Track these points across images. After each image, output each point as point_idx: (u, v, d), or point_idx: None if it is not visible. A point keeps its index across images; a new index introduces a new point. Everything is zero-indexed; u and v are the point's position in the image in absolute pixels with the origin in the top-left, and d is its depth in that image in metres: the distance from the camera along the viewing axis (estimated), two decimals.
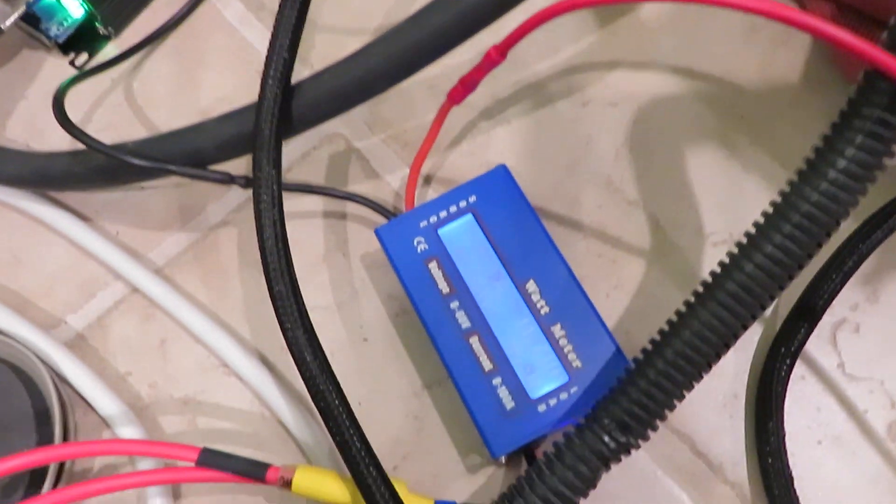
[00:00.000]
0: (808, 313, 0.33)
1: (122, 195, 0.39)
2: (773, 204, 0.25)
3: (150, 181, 0.38)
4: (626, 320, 0.34)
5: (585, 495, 0.27)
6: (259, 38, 0.42)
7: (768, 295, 0.26)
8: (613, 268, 0.35)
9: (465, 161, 0.38)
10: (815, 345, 0.33)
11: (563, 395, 0.30)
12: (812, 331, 0.33)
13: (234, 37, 0.42)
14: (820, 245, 0.25)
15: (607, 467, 0.27)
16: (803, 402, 0.33)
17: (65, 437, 0.33)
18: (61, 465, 0.32)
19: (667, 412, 0.27)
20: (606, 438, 0.26)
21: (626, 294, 0.35)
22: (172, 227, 0.38)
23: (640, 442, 0.27)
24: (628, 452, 0.27)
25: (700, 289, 0.27)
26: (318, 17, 0.42)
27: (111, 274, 0.38)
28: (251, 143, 0.30)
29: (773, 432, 0.31)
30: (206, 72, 0.41)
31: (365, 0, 0.42)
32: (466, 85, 0.31)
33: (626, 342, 0.34)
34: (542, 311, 0.31)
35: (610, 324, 0.34)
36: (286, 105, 0.30)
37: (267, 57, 0.30)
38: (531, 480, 0.27)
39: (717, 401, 0.33)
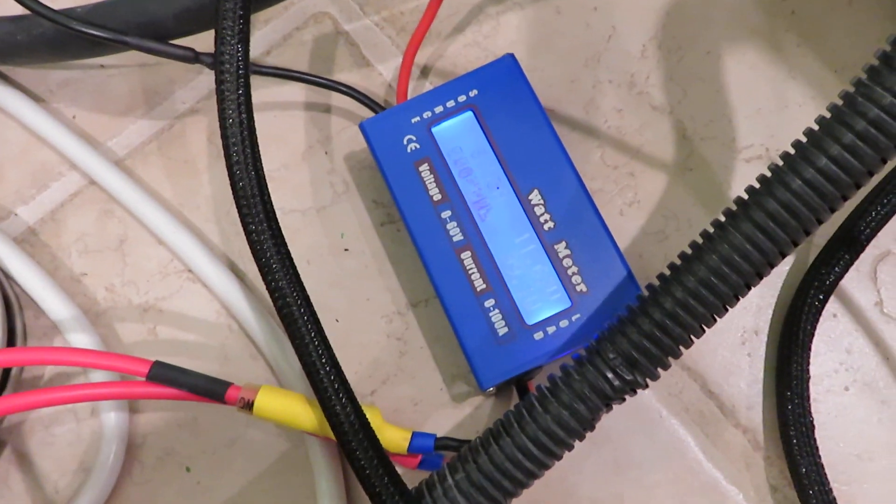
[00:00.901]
0: (849, 243, 0.28)
1: (80, 74, 0.35)
2: (833, 109, 0.21)
3: (108, 58, 0.33)
4: (640, 241, 0.30)
5: (581, 438, 0.23)
6: None
7: (815, 218, 0.22)
8: (630, 181, 0.31)
9: (468, 52, 0.33)
10: (853, 279, 0.29)
11: (564, 323, 0.26)
12: (852, 263, 0.29)
13: None
14: (885, 161, 0.21)
15: (608, 407, 0.23)
16: (833, 343, 0.29)
17: (11, 342, 0.30)
18: (6, 372, 0.29)
19: (682, 349, 0.23)
20: (610, 375, 0.23)
21: (642, 211, 0.31)
22: (135, 113, 0.34)
23: (648, 381, 0.23)
24: (633, 392, 0.23)
25: (733, 207, 0.23)
26: None
27: (66, 163, 0.34)
28: (213, 14, 0.25)
29: (796, 375, 0.28)
30: None
31: None
32: None
33: (639, 266, 0.30)
34: (546, 227, 0.27)
35: (622, 244, 0.30)
36: None
37: None
38: (521, 417, 0.23)
39: (735, 337, 0.29)
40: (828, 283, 0.28)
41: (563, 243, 0.27)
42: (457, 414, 0.29)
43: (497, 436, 0.23)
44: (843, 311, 0.29)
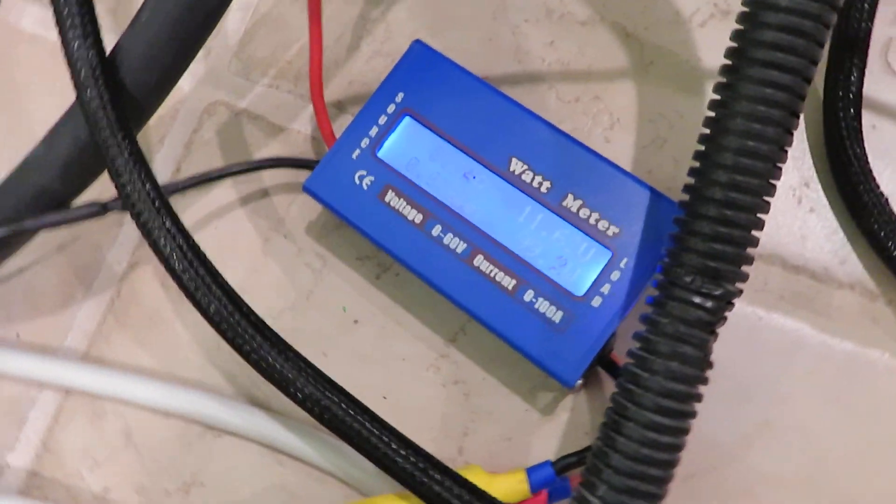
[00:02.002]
0: (849, 48, 0.25)
1: (2, 289, 0.31)
2: None
3: (20, 257, 0.30)
4: (642, 157, 0.27)
5: (705, 381, 0.20)
6: None
7: (822, 23, 0.19)
8: (599, 105, 0.28)
9: (374, 64, 0.30)
10: (872, 82, 0.26)
11: (615, 275, 0.23)
12: (864, 66, 0.25)
13: (44, 45, 0.34)
14: None
15: (714, 334, 0.20)
16: (888, 153, 0.26)
17: None
18: None
19: (755, 234, 0.20)
20: (698, 299, 0.19)
21: (627, 128, 0.28)
22: (76, 299, 0.30)
23: (740, 286, 0.20)
24: (731, 304, 0.20)
25: (728, 62, 0.20)
26: None
27: (34, 386, 0.30)
28: (96, 150, 0.22)
29: (872, 202, 0.24)
30: (29, 97, 0.33)
31: None
32: None
33: (655, 181, 0.26)
34: (543, 189, 0.24)
35: (626, 168, 0.27)
36: (111, 76, 0.22)
37: (57, 21, 0.21)
38: (631, 393, 0.20)
39: (789, 201, 0.26)
40: (851, 96, 0.25)
41: (570, 196, 0.24)
42: (555, 426, 0.25)
43: (616, 425, 0.20)
44: (880, 119, 0.26)
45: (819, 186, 0.26)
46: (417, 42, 0.26)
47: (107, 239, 0.31)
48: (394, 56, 0.30)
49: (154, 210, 0.22)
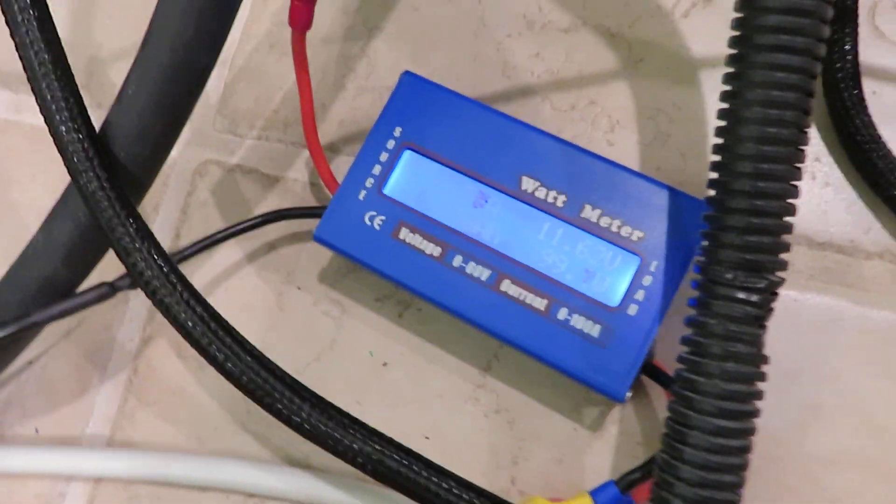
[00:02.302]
0: (840, 18, 0.25)
1: (14, 386, 0.30)
2: None
3: (26, 348, 0.29)
4: (647, 155, 0.27)
5: (762, 377, 0.19)
6: None
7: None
8: (596, 109, 0.28)
9: (362, 101, 0.30)
10: (864, 48, 0.26)
11: (647, 280, 0.23)
12: (856, 34, 0.25)
13: (18, 129, 0.33)
14: None
15: (763, 328, 0.19)
16: (891, 116, 0.26)
17: None
18: None
19: (788, 220, 0.19)
20: (742, 295, 0.19)
21: (627, 128, 0.27)
22: (92, 384, 0.29)
23: (781, 275, 0.19)
24: (775, 295, 0.19)
25: (734, 51, 0.19)
26: (92, 40, 0.32)
27: (61, 480, 0.29)
28: (99, 230, 0.21)
29: (887, 169, 0.24)
30: (9, 185, 0.32)
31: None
32: None
33: (667, 178, 0.26)
34: (559, 203, 0.24)
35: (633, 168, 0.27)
36: (105, 154, 0.21)
37: (42, 107, 0.21)
38: (688, 400, 0.19)
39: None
40: (849, 66, 0.25)
41: (587, 206, 0.24)
42: (606, 442, 0.25)
43: (680, 435, 0.19)
44: (878, 84, 0.26)
45: (831, 160, 0.26)
46: (407, 73, 0.26)
47: (115, 317, 0.30)
48: (380, 90, 0.29)
49: (170, 286, 0.21)
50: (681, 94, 0.27)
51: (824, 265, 0.25)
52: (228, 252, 0.29)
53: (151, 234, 0.22)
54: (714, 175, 0.20)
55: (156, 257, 0.21)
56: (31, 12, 0.20)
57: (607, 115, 0.27)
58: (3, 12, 0.20)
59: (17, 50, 0.20)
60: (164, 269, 0.21)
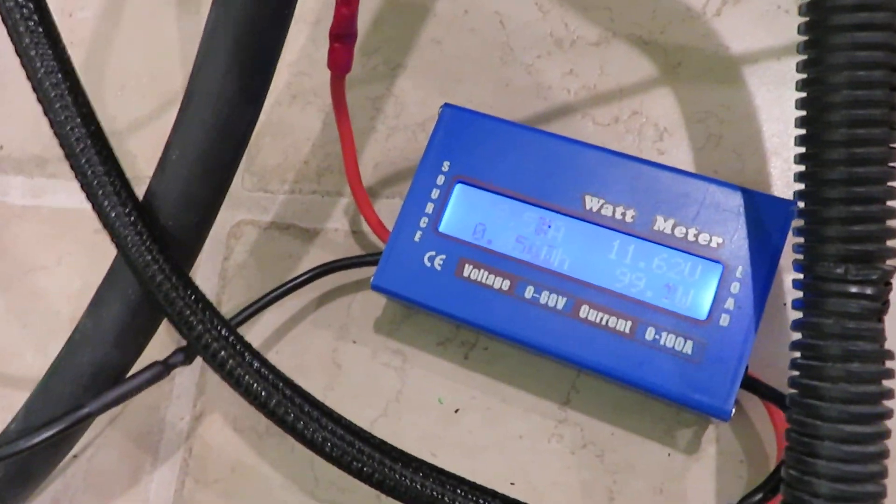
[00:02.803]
0: None
1: (61, 483, 0.28)
2: None
3: (77, 443, 0.27)
4: (701, 160, 0.26)
5: (891, 374, 0.18)
6: (68, 196, 0.32)
7: None
8: (640, 119, 0.27)
9: (393, 142, 0.29)
10: None
11: (735, 287, 0.21)
12: None
13: (37, 214, 0.31)
14: None
15: (881, 321, 0.18)
16: None
17: None
18: None
19: (893, 204, 0.18)
20: (855, 289, 0.18)
21: (677, 135, 0.26)
22: (145, 469, 0.28)
23: (893, 263, 0.18)
24: (891, 286, 0.18)
25: (807, 36, 0.19)
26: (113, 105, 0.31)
27: None
28: (152, 307, 0.20)
29: None
30: (34, 271, 0.31)
31: (156, 60, 0.32)
32: (342, 32, 0.21)
33: (729, 181, 0.25)
34: (628, 218, 0.23)
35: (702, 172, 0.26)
36: (154, 226, 0.20)
37: (86, 189, 0.19)
38: (813, 409, 0.18)
39: None
40: None
41: (658, 218, 0.22)
42: (706, 464, 0.23)
43: (809, 447, 0.18)
44: None
45: None
46: (447, 106, 0.25)
47: (161, 396, 0.28)
48: (412, 128, 0.28)
49: (239, 355, 0.20)
50: (726, 93, 0.26)
51: None
52: (275, 313, 0.28)
53: (211, 304, 0.20)
54: (801, 168, 0.19)
55: (220, 327, 0.20)
56: (63, 87, 0.19)
57: (653, 124, 0.27)
58: (35, 89, 0.19)
59: (51, 127, 0.19)
60: (230, 339, 0.20)
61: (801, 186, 0.19)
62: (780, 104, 0.26)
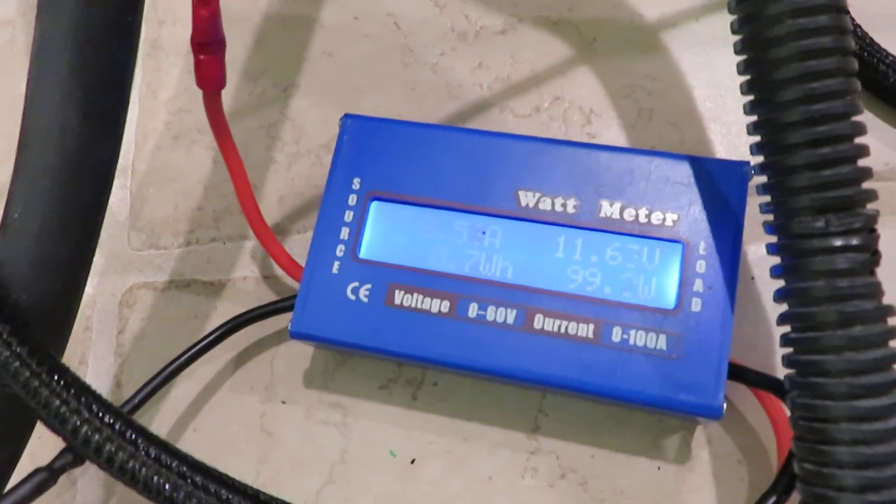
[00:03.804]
0: None
1: None
2: None
3: None
4: (636, 136, 0.24)
5: None
6: None
7: None
8: (563, 104, 0.24)
9: (297, 170, 0.25)
10: None
11: (700, 265, 0.19)
12: None
13: None
14: None
15: (874, 274, 0.16)
16: None
17: None
18: None
19: (861, 141, 0.16)
20: (840, 241, 0.16)
21: (605, 115, 0.24)
22: None
23: (873, 207, 0.16)
24: (874, 231, 0.16)
25: None
26: None
27: None
28: (15, 402, 0.16)
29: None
30: None
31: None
32: (206, 39, 0.18)
33: (680, 150, 0.23)
34: (570, 209, 0.20)
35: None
36: (2, 301, 0.16)
37: None
38: (819, 387, 0.15)
39: None
40: None
41: (604, 204, 0.20)
42: (702, 472, 0.21)
43: (822, 434, 0.15)
44: None
45: None
46: (346, 116, 0.22)
47: None
48: (315, 151, 0.25)
49: (130, 444, 0.16)
50: (650, 63, 0.24)
51: None
52: (185, 385, 0.24)
53: (88, 387, 0.16)
54: (753, 117, 0.17)
55: (102, 414, 0.16)
56: None
57: (578, 108, 0.24)
58: None
59: None
60: (118, 427, 0.16)
61: (757, 138, 0.17)
62: (708, 66, 0.24)
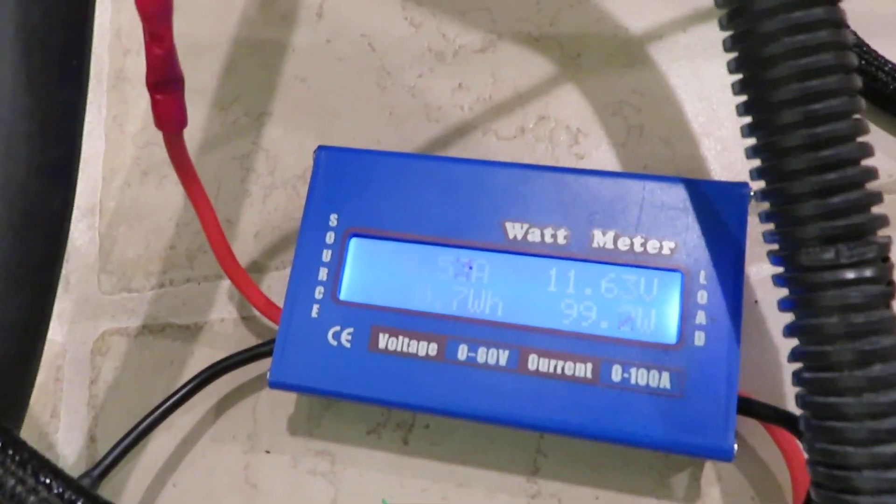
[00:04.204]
0: None
1: None
2: None
3: None
4: (626, 155, 0.23)
5: None
6: None
7: None
8: (549, 124, 0.23)
9: (273, 203, 0.24)
10: None
11: (702, 296, 0.18)
12: None
13: None
14: None
15: (890, 307, 0.15)
16: None
17: None
18: None
19: (868, 163, 0.15)
20: (852, 273, 0.14)
21: (593, 134, 0.23)
22: None
23: (885, 233, 0.15)
24: (889, 262, 0.15)
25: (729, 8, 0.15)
26: None
27: None
28: None
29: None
30: None
31: None
32: (161, 78, 0.17)
33: (662, 173, 0.22)
34: (560, 240, 0.19)
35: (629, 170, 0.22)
36: None
37: None
38: (838, 432, 0.14)
39: None
40: None
41: (596, 234, 0.19)
42: None
43: (845, 483, 0.14)
44: None
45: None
46: (321, 149, 0.21)
47: None
48: (292, 182, 0.24)
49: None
50: (637, 77, 0.23)
51: None
52: (163, 437, 0.22)
53: (47, 462, 0.15)
54: (752, 140, 0.16)
55: (61, 490, 0.15)
56: None
57: (565, 127, 0.23)
58: None
59: None
60: (66, 496, 0.15)
61: (757, 163, 0.16)
62: (697, 78, 0.23)
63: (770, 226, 0.16)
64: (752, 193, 0.18)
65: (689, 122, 0.22)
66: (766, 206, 0.16)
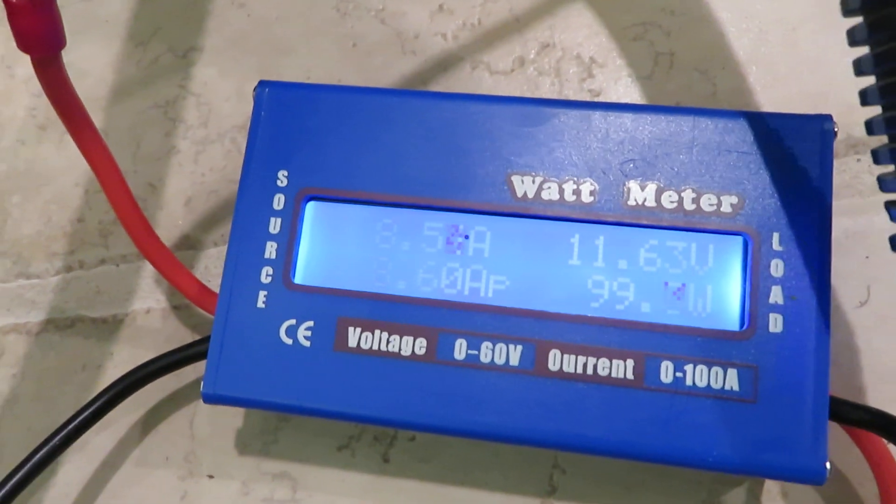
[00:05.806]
0: None
1: None
2: None
3: None
4: (653, 90, 0.18)
5: None
6: None
7: None
8: (555, 53, 0.19)
9: (208, 161, 0.19)
10: None
11: (777, 268, 0.13)
12: None
13: None
14: None
15: None
16: None
17: None
18: None
19: None
20: None
21: (610, 64, 0.18)
22: None
23: None
24: None
25: None
26: None
27: None
28: None
29: None
30: None
31: None
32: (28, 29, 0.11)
33: (713, 105, 0.18)
34: (585, 196, 0.14)
35: (662, 102, 0.17)
36: None
37: None
38: None
39: None
40: None
41: (633, 186, 0.14)
42: None
43: None
44: None
45: None
46: (263, 84, 0.16)
47: None
48: (230, 134, 0.19)
49: None
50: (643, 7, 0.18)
51: None
52: (77, 462, 0.18)
53: None
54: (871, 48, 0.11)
55: None
56: None
57: (575, 57, 0.18)
58: None
59: None
60: None
61: (873, 80, 0.11)
62: None
63: (890, 167, 0.11)
64: (835, 130, 0.14)
65: (731, 46, 0.18)
66: (884, 139, 0.11)
